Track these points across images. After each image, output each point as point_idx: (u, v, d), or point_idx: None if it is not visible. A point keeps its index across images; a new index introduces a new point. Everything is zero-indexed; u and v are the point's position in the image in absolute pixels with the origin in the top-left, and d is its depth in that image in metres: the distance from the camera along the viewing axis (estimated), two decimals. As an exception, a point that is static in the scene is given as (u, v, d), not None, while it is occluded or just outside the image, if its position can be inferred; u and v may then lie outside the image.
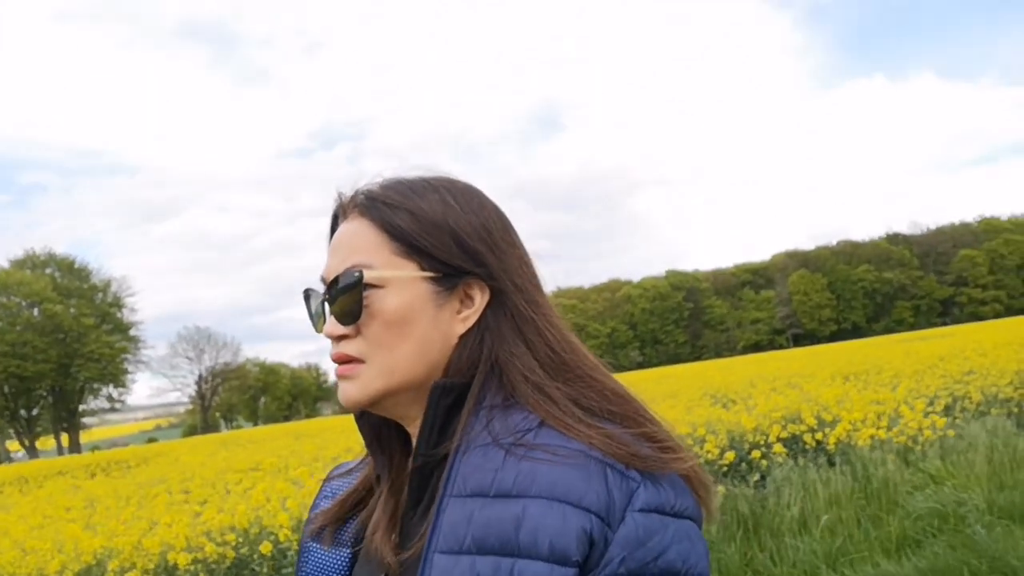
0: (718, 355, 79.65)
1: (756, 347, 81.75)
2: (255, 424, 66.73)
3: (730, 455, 5.87)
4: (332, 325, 0.76)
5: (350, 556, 0.84)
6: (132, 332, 54.90)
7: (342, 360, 0.75)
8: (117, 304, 54.39)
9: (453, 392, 0.74)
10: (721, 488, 5.23)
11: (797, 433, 6.53)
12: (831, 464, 5.93)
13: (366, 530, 0.82)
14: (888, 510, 4.80)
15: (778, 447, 6.01)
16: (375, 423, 0.80)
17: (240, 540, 4.74)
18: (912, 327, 77.68)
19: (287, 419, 62.02)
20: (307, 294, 0.81)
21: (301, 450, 11.51)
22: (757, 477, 5.76)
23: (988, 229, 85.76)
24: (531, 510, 0.65)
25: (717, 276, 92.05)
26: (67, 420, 53.18)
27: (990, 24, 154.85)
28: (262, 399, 73.76)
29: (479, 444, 0.70)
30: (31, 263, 52.77)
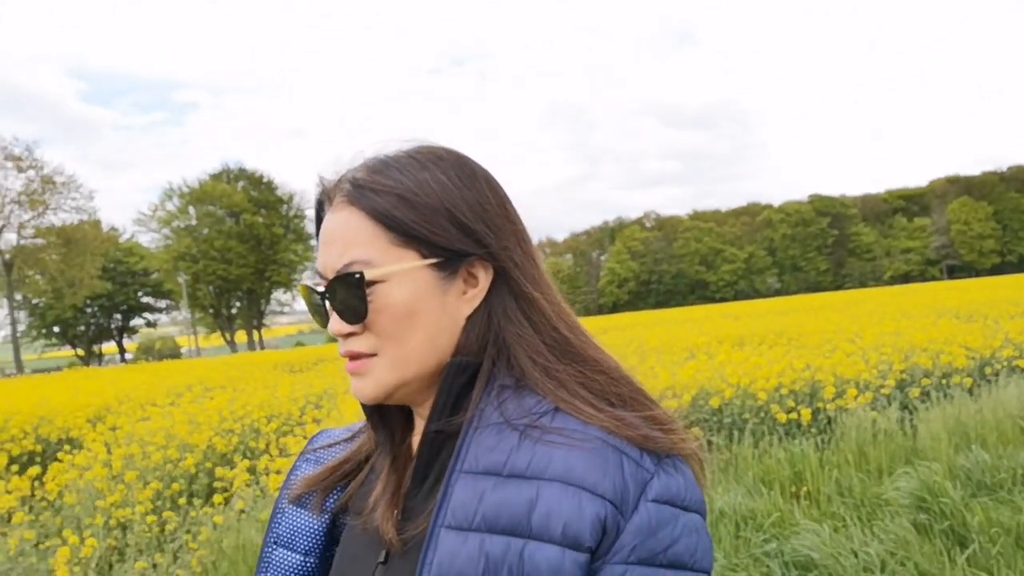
0: (862, 285, 75.82)
1: (906, 278, 77.04)
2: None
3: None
4: (337, 323, 0.73)
5: (328, 524, 0.83)
6: (312, 242, 60.29)
7: (353, 357, 0.74)
8: (300, 215, 59.50)
9: (468, 371, 0.73)
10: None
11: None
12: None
13: (351, 502, 0.82)
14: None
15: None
16: (380, 404, 0.78)
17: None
18: (1090, 262, 70.58)
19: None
20: (308, 289, 0.78)
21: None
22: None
23: None
24: (546, 493, 0.65)
25: (866, 201, 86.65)
26: (257, 319, 59.63)
27: None
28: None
29: (492, 423, 0.70)
30: (226, 176, 58.10)
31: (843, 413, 6.01)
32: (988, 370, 6.87)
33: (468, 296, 0.74)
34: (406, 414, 0.80)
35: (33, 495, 5.74)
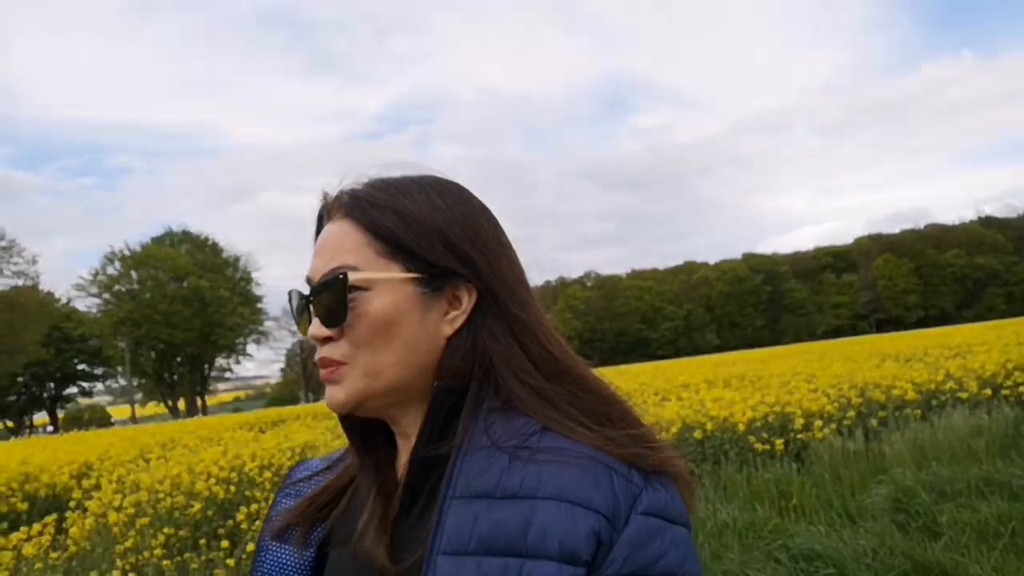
0: (797, 339, 78.27)
1: (838, 332, 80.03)
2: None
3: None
4: (316, 327, 0.74)
5: (314, 558, 0.82)
6: (259, 305, 59.53)
7: (327, 364, 0.74)
8: (246, 278, 59.30)
9: (455, 394, 0.73)
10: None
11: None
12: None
13: (334, 531, 0.81)
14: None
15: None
16: (360, 424, 0.79)
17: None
18: (1004, 315, 74.68)
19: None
20: (291, 295, 0.79)
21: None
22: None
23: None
24: (540, 511, 0.65)
25: (796, 259, 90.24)
26: (200, 384, 58.81)
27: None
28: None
29: (481, 447, 0.70)
30: (169, 239, 57.86)
31: (813, 441, 6.65)
32: (935, 402, 7.64)
33: (450, 317, 0.74)
34: (390, 439, 0.80)
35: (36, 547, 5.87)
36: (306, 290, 0.77)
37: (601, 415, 0.72)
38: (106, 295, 53.69)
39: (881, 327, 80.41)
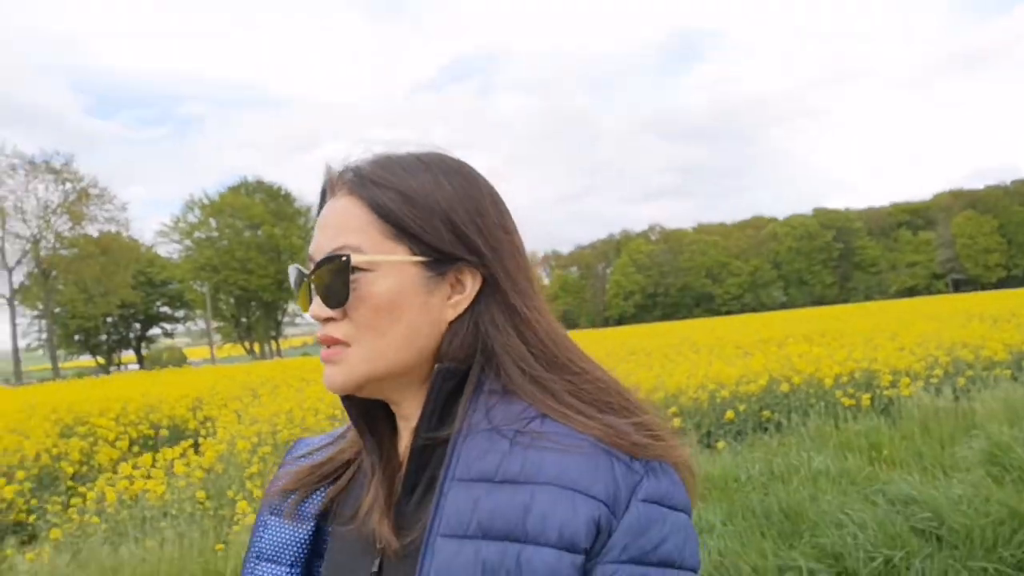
0: (868, 298, 76.53)
1: (911, 292, 77.82)
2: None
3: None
4: (318, 307, 0.74)
5: (313, 531, 0.82)
6: None
7: (328, 342, 0.74)
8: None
9: (455, 377, 0.74)
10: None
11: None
12: None
13: (335, 509, 0.82)
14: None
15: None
16: (362, 404, 0.78)
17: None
18: (1094, 276, 71.39)
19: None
20: (295, 271, 0.78)
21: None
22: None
23: None
24: (540, 497, 0.65)
25: (871, 215, 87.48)
26: (274, 329, 61.20)
27: None
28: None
29: (481, 429, 0.71)
30: (244, 189, 59.66)
31: (899, 398, 6.82)
32: (1025, 361, 7.68)
33: (453, 301, 0.74)
34: (391, 419, 0.80)
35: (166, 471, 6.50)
36: (308, 267, 0.76)
37: (602, 403, 0.72)
38: (187, 242, 56.07)
39: (959, 287, 77.82)
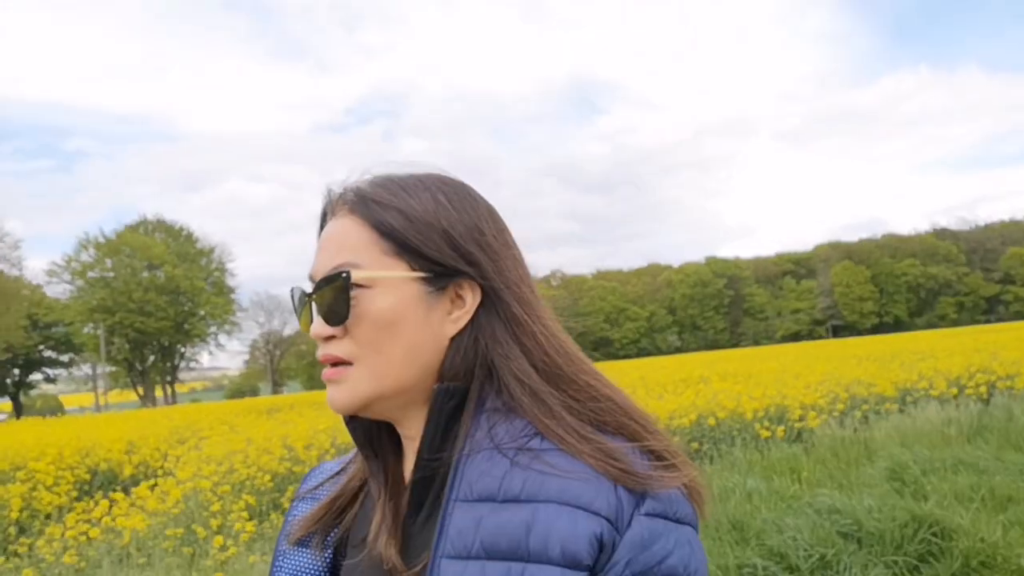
0: (756, 343, 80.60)
1: (796, 336, 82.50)
2: (311, 390, 69.94)
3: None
4: (319, 325, 0.74)
5: (331, 559, 0.83)
6: (232, 296, 59.82)
7: (330, 362, 0.73)
8: (221, 268, 59.30)
9: (456, 396, 0.73)
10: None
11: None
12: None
13: (351, 535, 0.82)
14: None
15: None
16: (366, 426, 0.79)
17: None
18: (955, 323, 77.91)
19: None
20: (293, 292, 0.78)
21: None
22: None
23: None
24: (541, 514, 0.65)
25: (758, 264, 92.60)
26: (170, 373, 58.79)
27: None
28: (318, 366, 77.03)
29: (484, 448, 0.70)
30: (144, 228, 57.69)
31: (806, 431, 7.75)
32: (909, 398, 8.80)
33: (454, 317, 0.74)
34: (396, 441, 0.80)
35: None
36: (309, 287, 0.76)
37: (602, 423, 0.71)
38: (79, 282, 53.51)
39: (837, 332, 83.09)
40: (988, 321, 76.54)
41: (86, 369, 59.91)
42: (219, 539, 5.61)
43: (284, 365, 73.91)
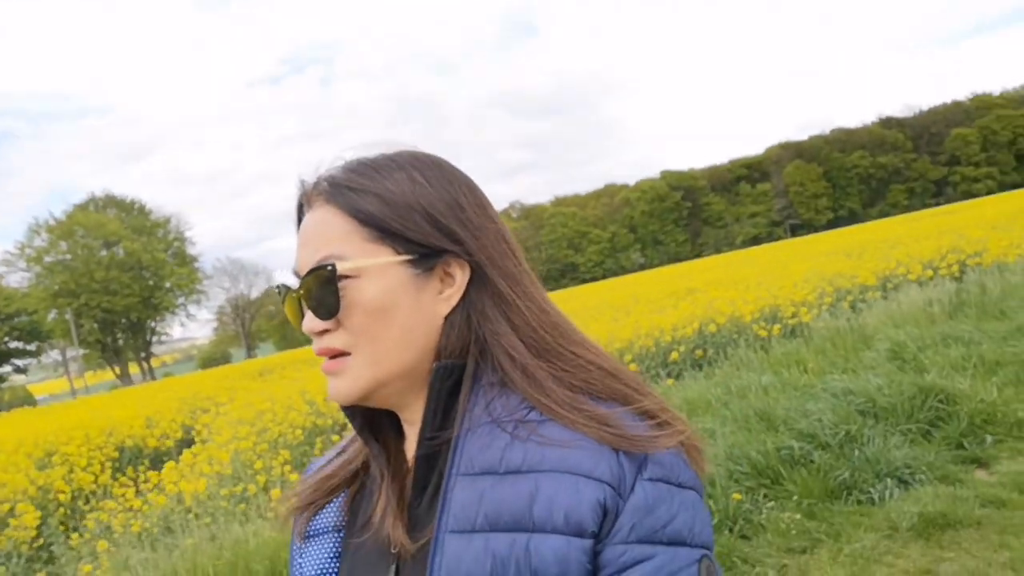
0: (718, 251, 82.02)
1: (755, 240, 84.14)
2: (286, 349, 69.78)
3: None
4: (311, 320, 0.73)
5: (340, 541, 0.82)
6: (196, 264, 58.87)
7: (327, 354, 0.74)
8: (180, 238, 58.24)
9: (454, 373, 0.73)
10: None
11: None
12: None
13: (355, 519, 0.81)
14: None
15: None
16: (364, 411, 0.78)
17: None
18: (907, 209, 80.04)
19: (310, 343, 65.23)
20: (282, 289, 0.77)
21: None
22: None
23: (980, 106, 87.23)
24: (544, 484, 0.66)
25: (713, 173, 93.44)
26: (144, 349, 58.03)
27: None
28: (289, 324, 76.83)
29: (483, 423, 0.71)
30: (93, 205, 56.20)
31: (801, 325, 8.26)
32: (889, 285, 9.37)
33: (445, 295, 0.74)
34: (396, 424, 0.80)
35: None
36: (294, 282, 0.76)
37: (593, 391, 0.72)
38: (36, 268, 52.30)
39: (796, 231, 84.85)
40: (938, 204, 78.66)
41: (55, 355, 59.08)
42: (276, 491, 5.96)
43: (255, 327, 73.58)
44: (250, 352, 69.53)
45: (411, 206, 0.73)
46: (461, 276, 0.74)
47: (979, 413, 4.92)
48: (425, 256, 0.73)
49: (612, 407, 0.70)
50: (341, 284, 0.72)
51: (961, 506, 3.79)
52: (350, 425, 0.80)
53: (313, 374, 14.91)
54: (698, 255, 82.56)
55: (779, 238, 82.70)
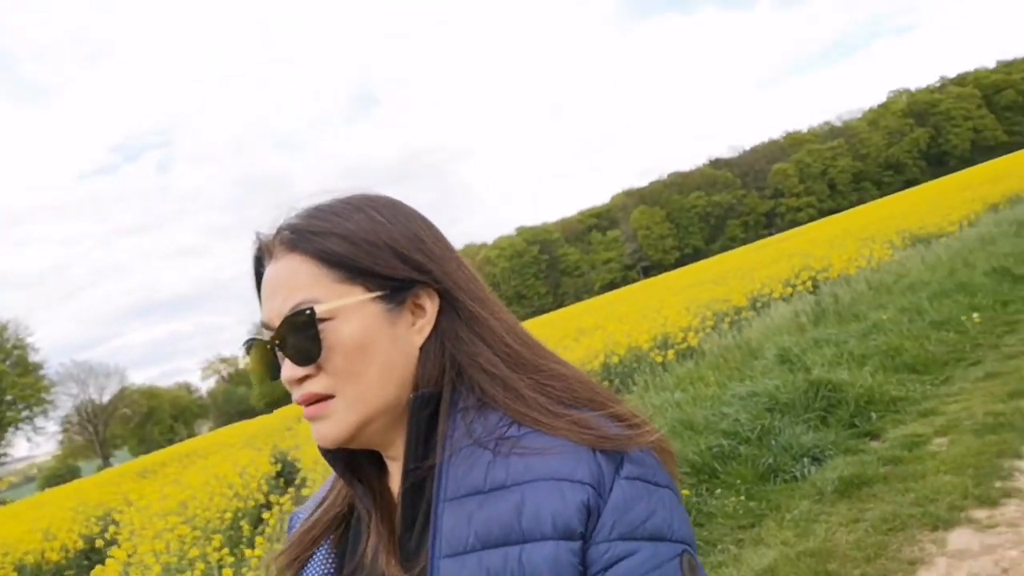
0: (578, 299, 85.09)
1: (612, 285, 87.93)
2: (144, 454, 65.17)
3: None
4: (290, 369, 0.74)
5: None
6: (40, 372, 53.86)
7: (310, 400, 0.74)
8: (20, 346, 53.37)
9: (431, 403, 0.75)
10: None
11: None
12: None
13: (340, 560, 0.82)
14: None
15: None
16: (345, 454, 0.79)
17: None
18: (744, 241, 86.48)
19: (171, 443, 61.17)
20: (251, 344, 0.78)
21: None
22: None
23: (794, 142, 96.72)
24: (529, 494, 0.68)
25: (565, 225, 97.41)
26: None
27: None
28: (147, 425, 71.81)
29: (463, 446, 0.72)
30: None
31: (693, 348, 9.13)
32: (758, 304, 10.49)
33: (418, 327, 0.76)
34: (376, 463, 0.80)
35: None
36: (265, 337, 0.77)
37: (568, 399, 0.74)
38: None
39: (648, 272, 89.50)
40: (771, 234, 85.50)
41: None
42: (228, 572, 5.98)
43: (110, 434, 68.33)
44: (106, 462, 64.28)
45: (375, 243, 0.75)
46: (431, 305, 0.76)
47: (861, 397, 5.79)
48: (395, 290, 0.75)
49: (588, 412, 0.73)
50: (318, 328, 0.72)
51: (868, 468, 4.53)
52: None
53: (208, 464, 14.44)
54: (560, 305, 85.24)
55: (633, 280, 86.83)
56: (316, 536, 0.83)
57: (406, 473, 0.74)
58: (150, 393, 71.64)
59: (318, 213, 0.77)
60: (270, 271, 0.77)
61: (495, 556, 0.66)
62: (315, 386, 0.73)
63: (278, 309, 0.74)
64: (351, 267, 0.74)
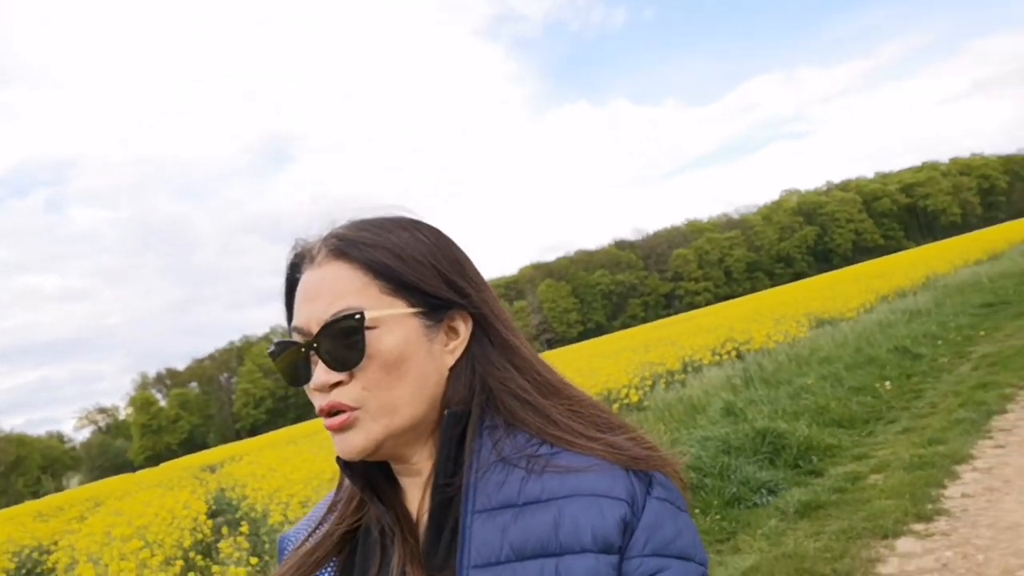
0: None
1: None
2: (4, 507, 60.42)
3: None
4: (325, 374, 0.74)
5: None
6: None
7: (335, 409, 0.74)
8: None
9: (463, 420, 0.76)
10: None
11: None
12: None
13: None
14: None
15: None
16: (366, 473, 0.79)
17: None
18: (643, 320, 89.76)
19: (36, 496, 57.19)
20: (283, 347, 0.78)
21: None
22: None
23: (694, 230, 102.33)
24: (567, 508, 0.69)
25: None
26: None
27: (665, 56, 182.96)
28: (12, 476, 66.73)
29: (492, 462, 0.74)
30: None
31: (634, 404, 9.94)
32: (690, 368, 11.46)
33: (451, 347, 0.78)
34: (388, 478, 0.81)
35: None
36: (296, 340, 0.76)
37: (601, 423, 0.77)
38: None
39: (552, 344, 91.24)
40: (669, 314, 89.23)
41: None
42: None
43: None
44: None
45: (421, 261, 0.77)
46: (464, 329, 0.78)
47: (802, 444, 6.67)
48: (435, 308, 0.77)
49: (616, 435, 0.76)
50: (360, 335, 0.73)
51: (821, 495, 5.35)
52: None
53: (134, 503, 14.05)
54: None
55: (538, 351, 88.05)
56: (320, 558, 0.83)
57: (435, 489, 0.75)
58: (19, 440, 67.02)
59: (367, 226, 0.79)
60: (311, 276, 0.77)
61: (530, 568, 0.68)
62: (343, 395, 0.74)
63: (318, 314, 0.74)
64: (398, 280, 0.75)
